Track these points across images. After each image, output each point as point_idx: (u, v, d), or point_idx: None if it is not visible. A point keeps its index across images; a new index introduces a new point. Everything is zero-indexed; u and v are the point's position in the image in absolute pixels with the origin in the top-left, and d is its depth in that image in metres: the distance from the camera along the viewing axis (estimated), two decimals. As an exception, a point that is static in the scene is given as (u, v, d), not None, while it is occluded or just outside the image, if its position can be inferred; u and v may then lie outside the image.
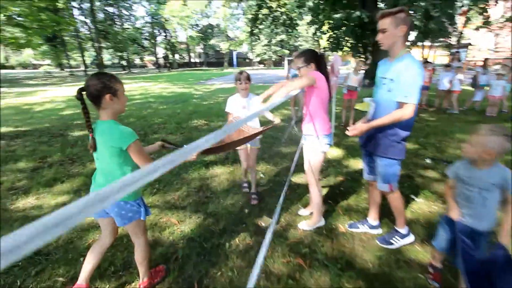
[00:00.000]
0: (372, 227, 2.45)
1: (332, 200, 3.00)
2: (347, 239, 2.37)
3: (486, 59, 9.23)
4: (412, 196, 3.07)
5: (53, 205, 2.95)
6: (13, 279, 1.94)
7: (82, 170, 3.86)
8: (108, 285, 1.88)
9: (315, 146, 2.30)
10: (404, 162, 4.04)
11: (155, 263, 2.08)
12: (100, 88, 1.45)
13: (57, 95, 12.86)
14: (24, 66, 54.42)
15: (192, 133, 5.71)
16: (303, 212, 2.76)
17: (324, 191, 3.18)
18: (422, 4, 6.71)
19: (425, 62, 9.34)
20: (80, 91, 1.46)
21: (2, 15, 12.93)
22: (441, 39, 8.90)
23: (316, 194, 2.44)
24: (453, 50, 10.61)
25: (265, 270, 2.02)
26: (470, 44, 23.30)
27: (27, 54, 35.47)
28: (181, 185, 3.41)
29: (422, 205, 2.92)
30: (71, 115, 7.73)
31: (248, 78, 2.78)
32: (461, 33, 13.08)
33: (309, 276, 1.96)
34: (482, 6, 11.64)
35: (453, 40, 8.99)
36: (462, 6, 8.36)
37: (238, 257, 2.14)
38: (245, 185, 3.29)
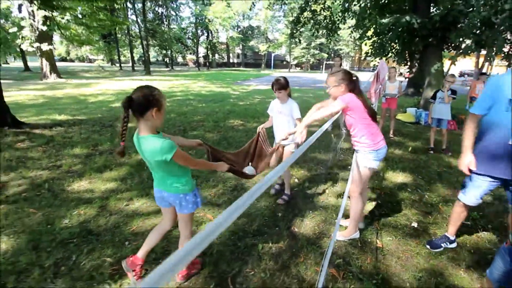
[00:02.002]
0: None
1: (369, 213, 2.91)
2: (384, 255, 2.28)
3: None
4: (458, 218, 2.86)
5: (103, 190, 3.23)
6: (69, 254, 2.17)
7: (128, 160, 4.16)
8: (150, 270, 2.03)
9: (361, 161, 2.25)
10: (449, 180, 3.81)
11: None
12: (150, 100, 1.47)
13: (108, 88, 13.98)
14: (82, 60, 59.91)
15: (228, 133, 5.86)
16: (343, 222, 2.71)
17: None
18: (483, 13, 6.14)
19: (481, 73, 8.59)
20: (128, 100, 1.44)
21: (68, 14, 14.43)
22: (502, 49, 8.04)
23: (356, 206, 2.39)
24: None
25: (297, 276, 2.02)
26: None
27: (85, 49, 38.96)
28: (217, 182, 3.53)
29: (469, 229, 2.70)
30: (120, 108, 8.34)
31: (281, 87, 2.74)
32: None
33: (343, 287, 1.93)
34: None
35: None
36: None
37: (270, 260, 2.18)
38: (277, 186, 3.31)
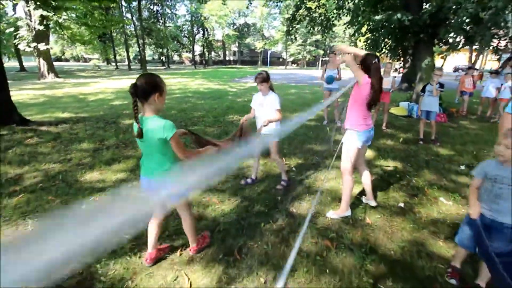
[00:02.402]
0: None
1: (361, 195, 3.17)
2: (373, 230, 2.55)
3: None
4: (442, 199, 3.14)
5: (114, 180, 3.46)
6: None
7: (134, 154, 4.39)
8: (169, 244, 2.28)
9: (349, 140, 2.53)
10: (437, 167, 4.09)
11: (200, 232, 2.44)
12: (152, 85, 1.68)
13: (107, 86, 14.12)
14: (77, 59, 59.68)
15: (228, 127, 6.10)
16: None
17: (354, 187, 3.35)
18: (470, 9, 6.41)
19: (469, 68, 8.91)
20: (134, 86, 1.64)
21: (66, 14, 14.62)
22: (491, 44, 8.33)
23: (346, 187, 2.66)
24: (508, 56, 9.87)
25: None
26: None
27: (80, 49, 38.85)
28: (220, 172, 3.77)
29: (450, 208, 2.99)
30: (120, 105, 8.55)
31: (263, 80, 2.94)
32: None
33: (335, 256, 2.19)
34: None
35: (501, 45, 8.35)
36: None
37: (271, 235, 2.44)
38: (249, 180, 3.46)
